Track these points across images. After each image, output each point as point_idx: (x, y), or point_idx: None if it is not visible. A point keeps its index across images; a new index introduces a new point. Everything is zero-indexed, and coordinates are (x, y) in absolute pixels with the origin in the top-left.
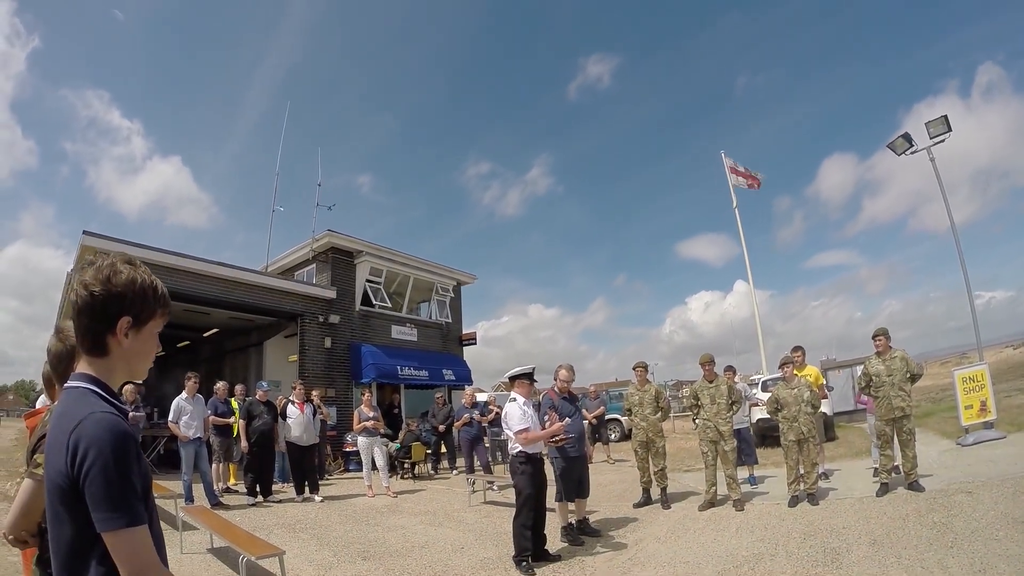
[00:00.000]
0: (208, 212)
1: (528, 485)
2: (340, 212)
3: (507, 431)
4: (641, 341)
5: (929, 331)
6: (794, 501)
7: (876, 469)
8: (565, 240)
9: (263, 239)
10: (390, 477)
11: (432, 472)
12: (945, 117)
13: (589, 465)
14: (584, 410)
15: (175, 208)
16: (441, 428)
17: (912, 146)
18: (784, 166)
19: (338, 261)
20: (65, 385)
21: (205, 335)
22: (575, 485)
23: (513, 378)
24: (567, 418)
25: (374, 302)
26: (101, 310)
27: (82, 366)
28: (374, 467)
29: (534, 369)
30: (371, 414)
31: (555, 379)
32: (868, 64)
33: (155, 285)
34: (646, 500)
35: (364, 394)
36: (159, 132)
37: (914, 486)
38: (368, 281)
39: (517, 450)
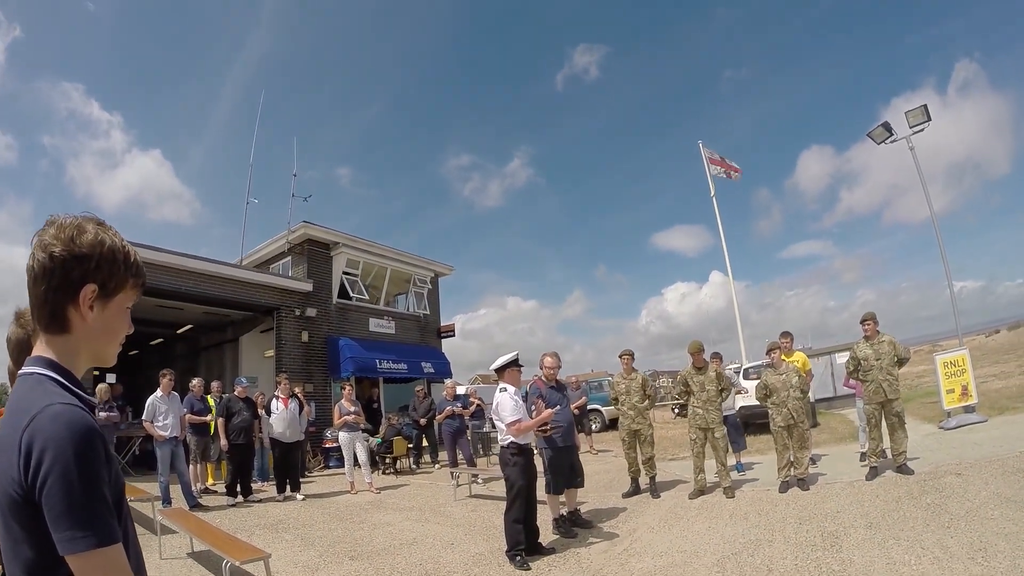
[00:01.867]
0: (191, 207)
1: (520, 476)
2: (319, 205)
3: (498, 423)
4: (618, 332)
5: (902, 320)
6: (784, 487)
7: (863, 453)
8: (543, 232)
9: (231, 230)
10: (372, 473)
11: (414, 467)
12: (925, 107)
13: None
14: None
15: (156, 203)
16: (422, 422)
17: (892, 135)
18: (764, 158)
19: (314, 253)
20: (19, 372)
21: (179, 331)
22: (567, 475)
23: (501, 368)
24: (556, 406)
25: (351, 295)
26: (61, 275)
27: (39, 348)
28: (356, 463)
29: (518, 355)
30: (352, 408)
31: (540, 367)
32: (847, 58)
33: (127, 249)
34: (635, 490)
35: (344, 388)
36: (139, 125)
37: (903, 469)
38: (345, 273)
39: (508, 441)
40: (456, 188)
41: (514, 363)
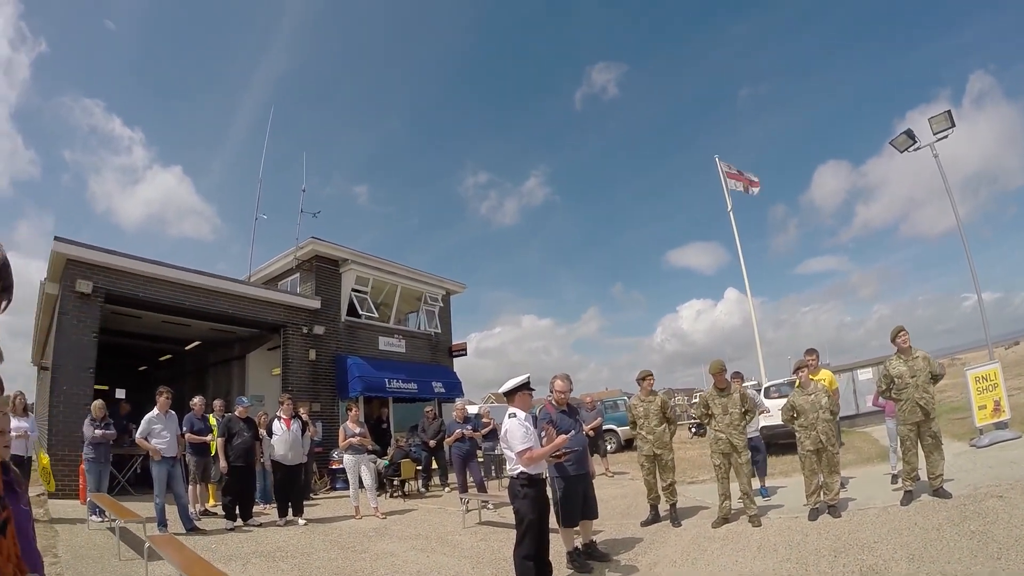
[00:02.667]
0: (211, 223)
1: (531, 510)
2: (336, 222)
3: (507, 452)
4: (633, 350)
5: (919, 334)
6: (814, 514)
7: (895, 475)
8: (559, 250)
9: (244, 246)
10: (378, 496)
11: (423, 490)
12: (949, 113)
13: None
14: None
15: (176, 219)
16: (432, 443)
17: (915, 143)
18: (780, 174)
19: (322, 270)
20: None
21: (187, 348)
22: (580, 505)
23: (510, 392)
24: (570, 432)
25: (360, 312)
26: None
27: None
28: (361, 486)
29: (529, 378)
30: (357, 430)
31: (551, 390)
32: (861, 73)
33: None
34: (654, 517)
35: (350, 409)
36: (161, 142)
37: (940, 492)
38: (354, 291)
39: (518, 471)
40: (473, 206)
41: (525, 386)
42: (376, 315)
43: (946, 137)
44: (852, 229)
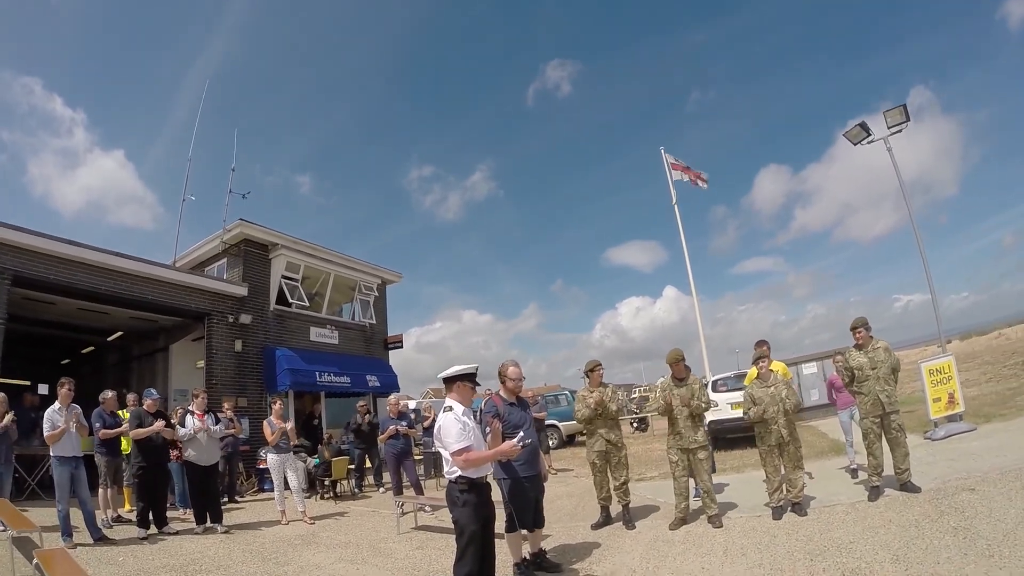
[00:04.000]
0: (153, 211)
1: (472, 520)
2: (277, 212)
3: (443, 451)
4: (572, 346)
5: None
6: (778, 512)
7: (854, 470)
8: (501, 245)
9: (185, 234)
10: (308, 498)
11: (356, 491)
12: (904, 107)
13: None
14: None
15: (116, 206)
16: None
17: (869, 135)
18: (723, 177)
19: (251, 255)
20: None
21: (109, 339)
22: (531, 511)
23: (450, 379)
24: (520, 429)
25: (291, 301)
26: None
27: None
28: (288, 487)
29: (477, 370)
30: (281, 425)
31: (502, 379)
32: (808, 83)
33: None
34: (605, 519)
35: (275, 403)
36: (104, 124)
37: (908, 487)
38: (284, 278)
39: (456, 474)
40: (416, 199)
41: (468, 376)
42: (307, 304)
43: (900, 131)
44: (789, 232)
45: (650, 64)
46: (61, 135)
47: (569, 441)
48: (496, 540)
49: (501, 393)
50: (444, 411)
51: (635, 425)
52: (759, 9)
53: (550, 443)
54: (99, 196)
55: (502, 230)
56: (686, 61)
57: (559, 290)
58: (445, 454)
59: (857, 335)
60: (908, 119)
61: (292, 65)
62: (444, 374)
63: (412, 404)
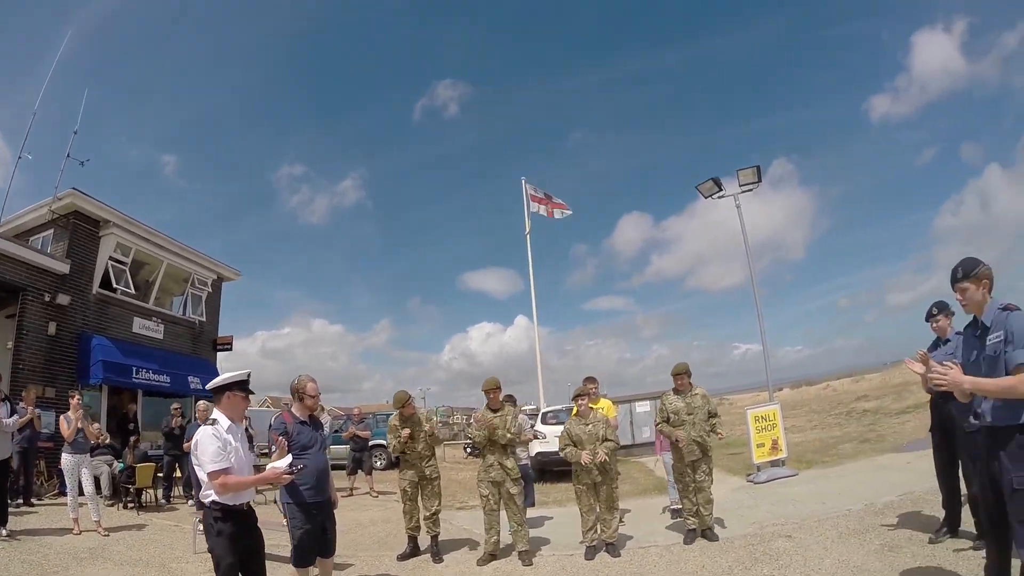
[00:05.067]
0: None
1: (228, 552)
2: (137, 191)
3: (198, 471)
4: (420, 365)
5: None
6: (591, 552)
7: (676, 510)
8: (361, 256)
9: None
10: (111, 505)
11: (163, 501)
12: (758, 168)
13: (346, 499)
14: (353, 429)
15: None
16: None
17: (720, 191)
18: (590, 217)
19: (80, 229)
20: None
21: None
22: (318, 541)
23: (218, 389)
24: (309, 450)
25: (116, 286)
26: None
27: None
28: (82, 493)
29: (248, 376)
30: (76, 423)
31: (299, 396)
32: (680, 138)
33: None
34: (413, 550)
35: (73, 397)
36: None
37: (707, 534)
38: (112, 260)
39: (210, 499)
40: (284, 198)
41: (239, 385)
42: (134, 292)
43: (751, 190)
44: (644, 275)
45: (539, 97)
46: None
47: (397, 463)
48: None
49: (294, 410)
50: (205, 424)
51: (468, 450)
52: (646, 60)
53: (377, 464)
54: None
55: (365, 241)
56: (574, 99)
57: (415, 308)
58: (201, 475)
59: (678, 381)
60: (760, 180)
61: (175, 30)
62: (211, 384)
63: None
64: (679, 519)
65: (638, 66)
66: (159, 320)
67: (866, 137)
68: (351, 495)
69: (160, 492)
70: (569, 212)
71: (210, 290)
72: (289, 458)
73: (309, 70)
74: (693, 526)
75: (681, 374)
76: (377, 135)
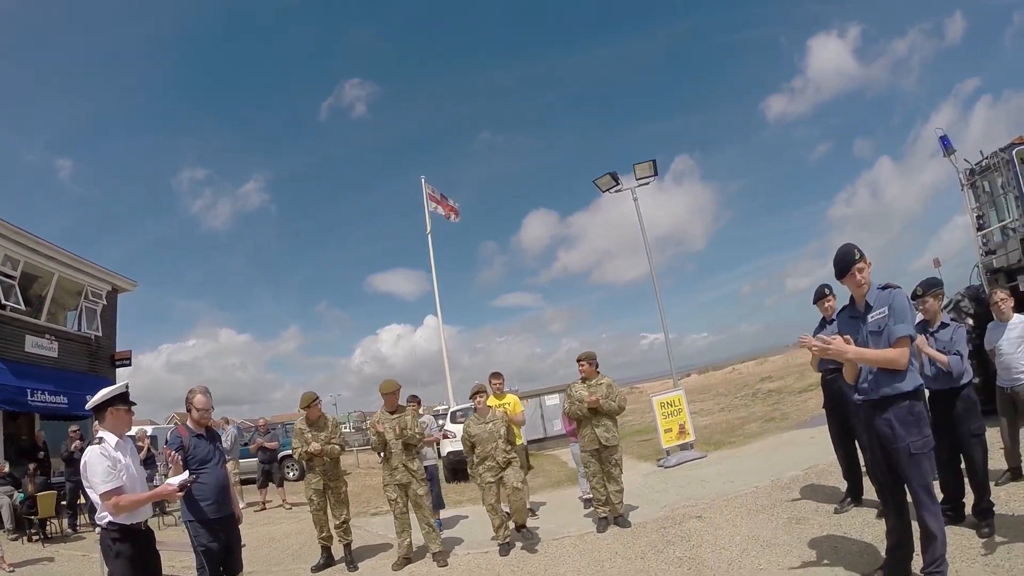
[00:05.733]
0: None
1: (128, 574)
2: (29, 198)
3: (91, 493)
4: (330, 370)
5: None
6: (505, 549)
7: (588, 500)
8: (266, 262)
9: None
10: (16, 539)
11: (70, 531)
12: (654, 162)
13: (259, 513)
14: (260, 440)
15: None
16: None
17: (618, 185)
18: (496, 215)
19: None
20: None
21: None
22: (223, 558)
23: (100, 407)
24: (207, 465)
25: (5, 302)
26: None
27: None
28: None
29: (127, 387)
30: None
31: (189, 408)
32: (584, 137)
33: None
34: (327, 560)
35: None
36: None
37: (619, 521)
38: (0, 273)
39: (106, 520)
40: (185, 203)
41: (120, 399)
42: (23, 308)
43: (648, 184)
44: (552, 271)
45: (448, 97)
46: None
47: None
48: None
49: (188, 424)
50: (93, 443)
51: (382, 455)
52: (553, 62)
53: (290, 475)
54: None
55: (269, 246)
56: (481, 101)
57: (323, 313)
58: (94, 496)
59: (581, 367)
60: (656, 174)
61: (69, 27)
62: (91, 403)
63: (150, 430)
64: (591, 509)
65: (545, 68)
66: (53, 337)
67: (763, 133)
68: (264, 509)
69: (66, 521)
70: (457, 220)
71: (104, 302)
72: (186, 474)
73: (211, 67)
74: (605, 514)
75: (583, 360)
76: (282, 136)
